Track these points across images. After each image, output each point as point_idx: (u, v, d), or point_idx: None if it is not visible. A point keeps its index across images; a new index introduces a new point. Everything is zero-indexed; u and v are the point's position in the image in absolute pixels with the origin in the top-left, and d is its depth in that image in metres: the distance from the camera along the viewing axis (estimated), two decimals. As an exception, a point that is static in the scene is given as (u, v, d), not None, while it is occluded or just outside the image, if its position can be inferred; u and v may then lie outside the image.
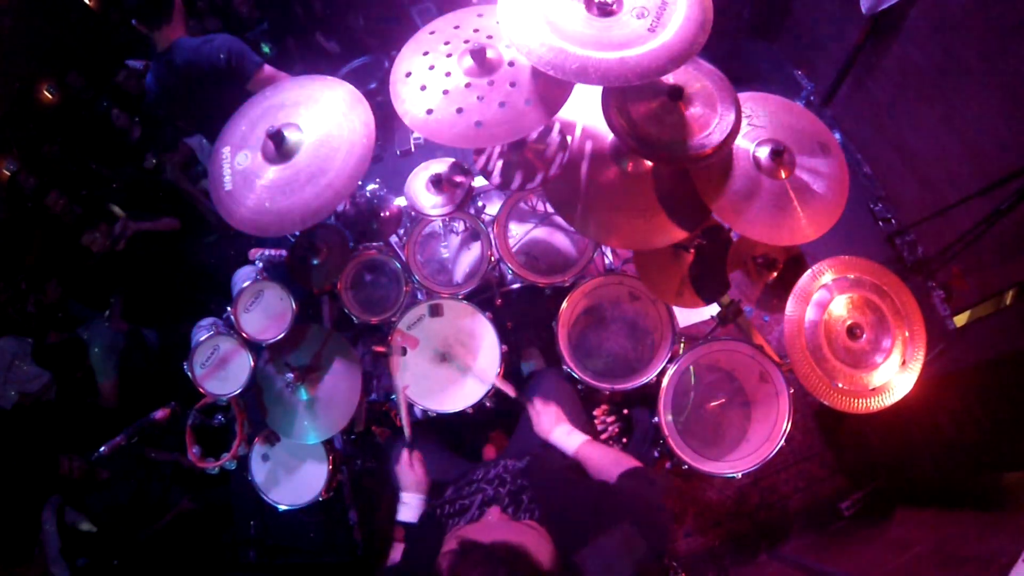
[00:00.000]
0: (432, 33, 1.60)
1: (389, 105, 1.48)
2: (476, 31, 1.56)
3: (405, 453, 1.66)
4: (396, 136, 3.58)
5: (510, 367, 2.08)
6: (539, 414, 1.73)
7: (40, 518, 3.07)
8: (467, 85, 1.47)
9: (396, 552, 1.47)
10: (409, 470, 1.62)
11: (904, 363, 1.56)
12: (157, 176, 4.36)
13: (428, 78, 1.50)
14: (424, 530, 1.35)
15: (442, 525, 1.25)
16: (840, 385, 1.53)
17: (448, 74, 1.49)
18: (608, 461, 1.47)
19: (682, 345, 1.96)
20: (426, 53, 1.55)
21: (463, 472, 1.48)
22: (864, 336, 1.56)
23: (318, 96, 1.65)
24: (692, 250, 1.90)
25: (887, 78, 2.88)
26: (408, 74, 1.52)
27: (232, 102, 1.75)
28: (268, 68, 2.39)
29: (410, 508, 1.55)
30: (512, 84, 1.45)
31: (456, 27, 1.59)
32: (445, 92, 1.47)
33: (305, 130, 1.58)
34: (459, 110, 1.44)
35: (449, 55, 1.52)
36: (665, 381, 1.84)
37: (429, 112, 1.45)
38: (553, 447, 1.66)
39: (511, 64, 1.48)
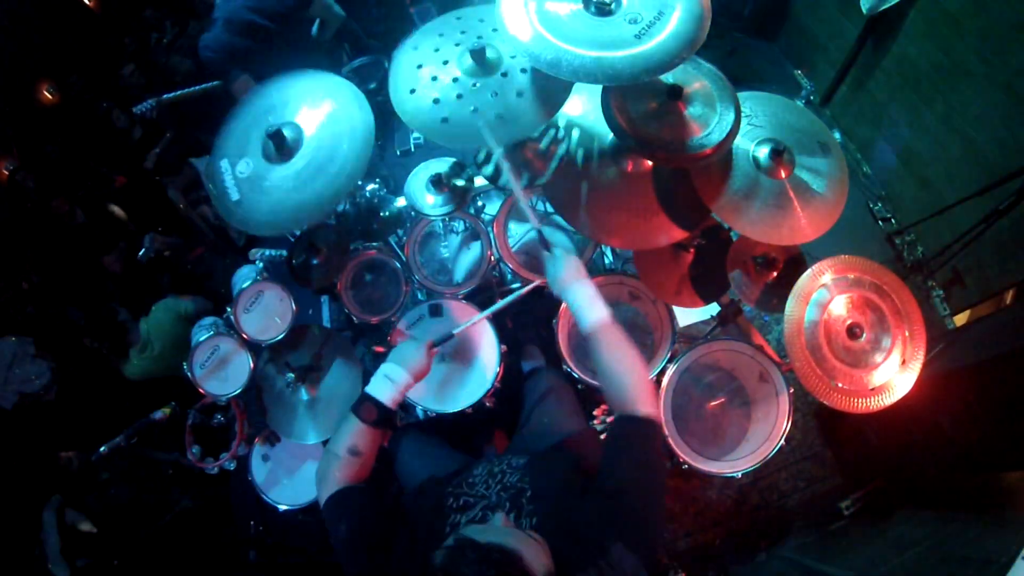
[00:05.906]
0: (458, 19, 1.60)
1: (389, 105, 1.48)
2: (495, 30, 1.54)
3: (429, 341, 1.41)
4: (396, 136, 3.57)
5: (510, 367, 2.08)
6: (557, 258, 1.33)
7: (40, 518, 3.07)
8: (454, 79, 1.46)
9: (359, 436, 1.26)
10: (420, 354, 1.35)
11: (904, 363, 1.56)
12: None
13: (429, 59, 1.50)
14: (427, 514, 1.33)
15: (445, 515, 1.24)
16: (840, 385, 1.53)
17: (446, 62, 1.49)
18: (631, 352, 1.21)
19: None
20: (441, 35, 1.55)
21: (465, 464, 1.46)
22: (864, 336, 1.56)
23: (300, 89, 1.66)
24: (692, 250, 1.90)
25: (886, 78, 2.88)
26: (415, 47, 1.54)
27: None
28: None
29: (389, 386, 1.29)
30: (495, 94, 1.44)
31: (481, 20, 1.58)
32: (434, 78, 1.47)
33: (301, 124, 1.59)
34: (435, 100, 1.44)
35: (457, 44, 1.52)
36: (665, 381, 1.84)
37: (412, 92, 1.45)
38: (558, 444, 1.61)
39: (504, 75, 1.47)
